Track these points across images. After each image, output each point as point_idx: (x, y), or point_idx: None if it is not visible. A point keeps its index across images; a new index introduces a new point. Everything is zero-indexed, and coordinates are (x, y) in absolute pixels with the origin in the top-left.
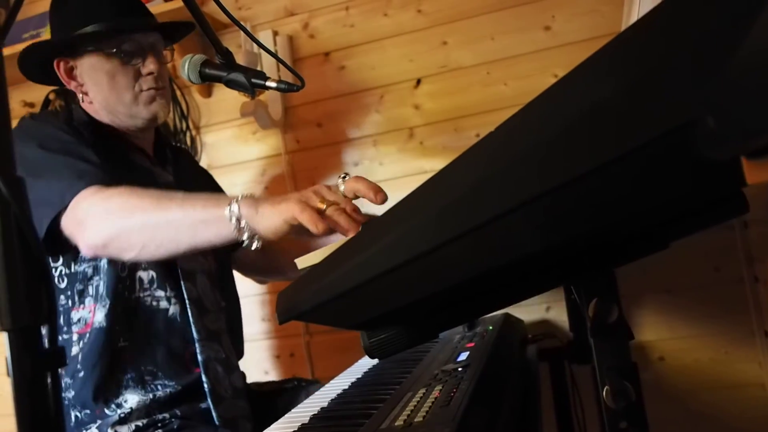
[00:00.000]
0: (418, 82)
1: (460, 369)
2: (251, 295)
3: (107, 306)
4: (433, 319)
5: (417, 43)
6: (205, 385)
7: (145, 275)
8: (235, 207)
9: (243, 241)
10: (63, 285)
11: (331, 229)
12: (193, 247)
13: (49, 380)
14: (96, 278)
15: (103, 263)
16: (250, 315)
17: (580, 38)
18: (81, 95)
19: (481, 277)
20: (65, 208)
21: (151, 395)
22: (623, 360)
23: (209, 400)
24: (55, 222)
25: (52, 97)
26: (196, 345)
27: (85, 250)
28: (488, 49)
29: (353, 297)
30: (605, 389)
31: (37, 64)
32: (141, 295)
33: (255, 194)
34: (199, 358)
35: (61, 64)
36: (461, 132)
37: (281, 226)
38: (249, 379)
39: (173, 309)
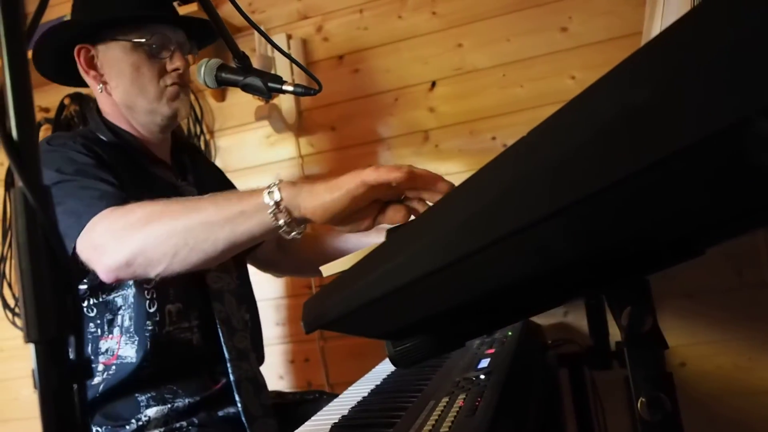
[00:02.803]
0: (433, 84)
1: (482, 377)
2: (266, 300)
3: (136, 342)
4: (461, 328)
5: (432, 46)
6: (239, 404)
7: (173, 308)
8: (275, 189)
9: (284, 228)
10: (93, 314)
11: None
12: (233, 243)
13: (75, 392)
14: (124, 310)
15: (131, 295)
16: (264, 319)
17: (597, 39)
18: (100, 85)
19: (514, 286)
20: (82, 230)
21: (169, 405)
22: (659, 370)
23: (243, 417)
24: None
25: (66, 102)
26: (228, 365)
27: (105, 275)
28: (504, 51)
29: (382, 306)
30: (640, 401)
31: (54, 55)
32: (170, 329)
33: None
34: (231, 377)
35: (82, 52)
36: (477, 135)
37: (341, 198)
38: None
39: (196, 338)
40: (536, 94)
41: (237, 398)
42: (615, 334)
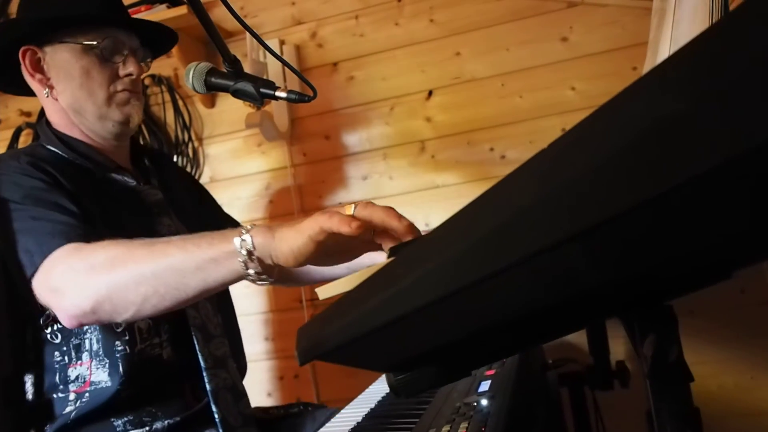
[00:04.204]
0: (430, 93)
1: (484, 402)
2: (253, 314)
3: (108, 365)
4: (472, 357)
5: (429, 54)
6: (216, 415)
7: (143, 324)
8: (247, 237)
9: (252, 277)
10: (58, 340)
11: (361, 245)
12: (204, 290)
13: None
14: (90, 333)
15: None
16: (252, 335)
17: (598, 50)
18: (46, 90)
19: (533, 312)
20: (36, 271)
21: (147, 428)
22: (685, 405)
23: (220, 429)
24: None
25: None
26: (204, 374)
27: (66, 321)
28: (503, 60)
29: (387, 335)
30: None
31: None
32: (142, 347)
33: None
34: (208, 387)
35: (28, 54)
36: (474, 146)
37: (306, 244)
38: (251, 404)
39: (167, 352)
40: (536, 105)
41: (214, 409)
42: (616, 352)
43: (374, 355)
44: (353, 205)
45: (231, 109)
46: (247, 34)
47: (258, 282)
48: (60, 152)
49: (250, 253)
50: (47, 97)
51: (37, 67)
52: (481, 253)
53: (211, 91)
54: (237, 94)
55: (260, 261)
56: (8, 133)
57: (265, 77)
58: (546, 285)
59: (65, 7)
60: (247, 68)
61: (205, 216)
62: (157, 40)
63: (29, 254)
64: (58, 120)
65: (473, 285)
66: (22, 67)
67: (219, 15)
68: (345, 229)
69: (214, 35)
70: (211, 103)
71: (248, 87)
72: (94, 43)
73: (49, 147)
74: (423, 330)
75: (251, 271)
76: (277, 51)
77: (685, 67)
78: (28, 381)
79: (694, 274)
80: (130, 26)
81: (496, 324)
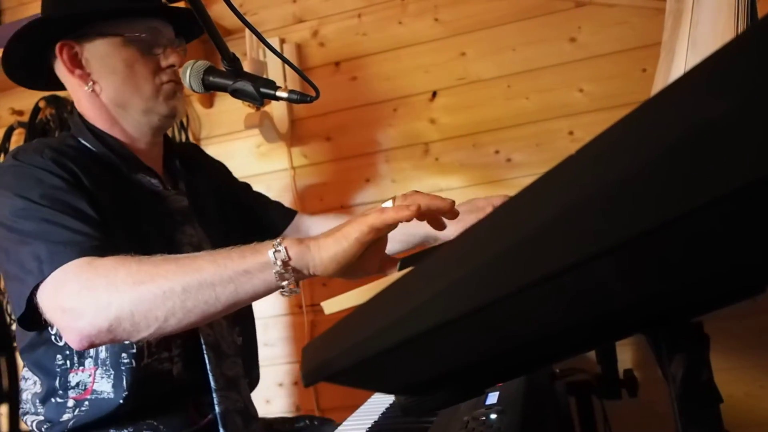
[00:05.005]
0: (434, 94)
1: (493, 416)
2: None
3: (113, 377)
4: (485, 377)
5: (433, 54)
6: None
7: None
8: (281, 248)
9: (285, 289)
10: (61, 343)
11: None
12: (234, 303)
13: None
14: None
15: None
16: None
17: (607, 51)
18: (88, 85)
19: (557, 332)
20: (43, 281)
21: None
22: (716, 429)
23: None
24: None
25: (42, 104)
26: (214, 395)
27: (77, 342)
28: (509, 60)
29: (401, 356)
30: None
31: (26, 56)
32: (149, 360)
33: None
34: (217, 409)
35: (65, 49)
36: (480, 148)
37: (352, 247)
38: None
39: (177, 368)
40: (543, 107)
41: (221, 431)
42: (623, 360)
43: (385, 378)
44: (390, 201)
45: (230, 109)
46: (247, 32)
47: (286, 293)
48: (90, 146)
49: (285, 264)
50: (90, 92)
51: (76, 62)
52: (505, 269)
53: (209, 90)
54: (236, 93)
55: (296, 271)
56: None
57: (265, 77)
58: (572, 303)
59: None
60: (248, 67)
61: (230, 221)
62: (187, 27)
63: (38, 261)
64: (93, 115)
65: (494, 303)
66: (58, 63)
67: (218, 12)
68: (402, 215)
69: (213, 32)
70: (209, 103)
71: (248, 86)
72: (135, 35)
73: (79, 139)
74: (438, 351)
75: (285, 283)
76: (278, 50)
77: (735, 64)
78: (28, 383)
79: (730, 289)
80: (166, 15)
81: (517, 344)
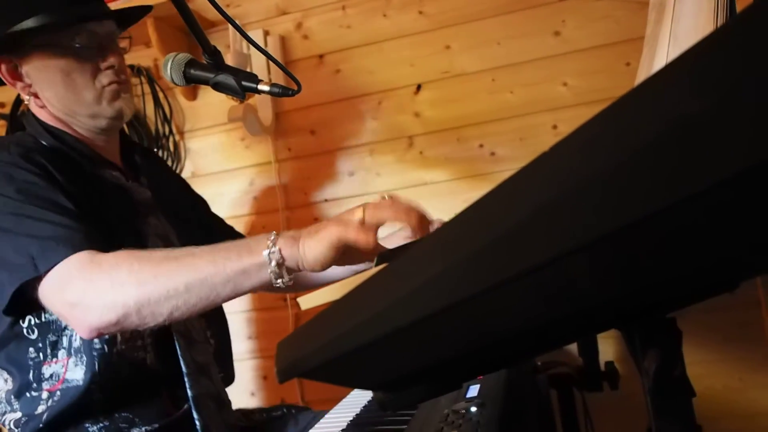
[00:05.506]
0: (419, 88)
1: (473, 409)
2: (237, 312)
3: (85, 363)
4: (462, 371)
5: (418, 47)
6: (197, 423)
7: None
8: (275, 250)
9: (279, 285)
10: (33, 336)
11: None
12: (233, 297)
13: None
14: (70, 329)
15: None
16: (235, 333)
17: (591, 45)
18: (29, 97)
19: (533, 327)
20: (39, 277)
21: None
22: (687, 423)
23: None
24: (22, 287)
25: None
26: (186, 380)
27: (86, 333)
28: (494, 54)
29: (376, 352)
30: None
31: None
32: (122, 348)
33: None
34: (189, 393)
35: (2, 65)
36: (464, 142)
37: (329, 251)
38: (233, 403)
39: (150, 357)
40: (527, 101)
41: (195, 416)
42: (605, 352)
43: (360, 374)
44: (362, 208)
45: (213, 102)
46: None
47: (280, 285)
48: (47, 144)
49: (279, 265)
50: (31, 105)
51: (16, 75)
52: (482, 265)
53: (191, 83)
54: (218, 87)
55: (289, 270)
56: None
57: (248, 70)
58: (548, 299)
59: (29, 9)
60: (231, 60)
61: (195, 217)
62: (131, 13)
63: (30, 258)
64: (46, 116)
65: (470, 299)
66: (1, 77)
67: (200, 3)
68: (362, 243)
69: (193, 25)
70: (192, 96)
71: (229, 80)
72: (68, 43)
73: (36, 137)
74: (415, 347)
75: (280, 281)
76: (261, 42)
77: (711, 61)
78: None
79: (703, 285)
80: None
81: (493, 340)
